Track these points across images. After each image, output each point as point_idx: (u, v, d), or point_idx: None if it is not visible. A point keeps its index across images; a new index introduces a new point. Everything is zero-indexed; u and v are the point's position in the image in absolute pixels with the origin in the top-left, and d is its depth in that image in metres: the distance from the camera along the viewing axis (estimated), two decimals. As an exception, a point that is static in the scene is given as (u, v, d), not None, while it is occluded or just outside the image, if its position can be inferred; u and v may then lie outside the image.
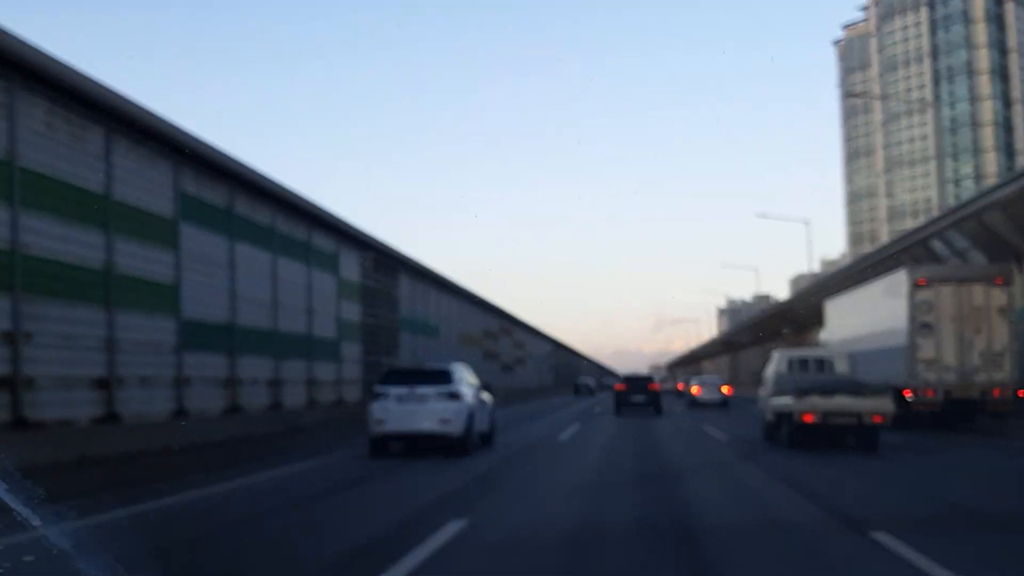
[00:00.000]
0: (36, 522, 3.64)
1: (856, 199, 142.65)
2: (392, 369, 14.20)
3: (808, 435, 12.83)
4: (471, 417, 12.31)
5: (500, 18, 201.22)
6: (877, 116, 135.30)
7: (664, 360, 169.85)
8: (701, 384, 34.60)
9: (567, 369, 70.75)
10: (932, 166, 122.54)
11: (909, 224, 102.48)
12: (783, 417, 13.46)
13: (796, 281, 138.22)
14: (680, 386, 56.06)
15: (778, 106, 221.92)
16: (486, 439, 13.66)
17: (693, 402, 33.31)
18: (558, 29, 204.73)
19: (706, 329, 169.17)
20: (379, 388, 12.28)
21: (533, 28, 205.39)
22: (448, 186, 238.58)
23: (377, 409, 11.99)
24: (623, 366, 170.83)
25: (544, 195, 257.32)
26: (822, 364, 16.06)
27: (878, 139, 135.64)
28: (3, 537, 4.14)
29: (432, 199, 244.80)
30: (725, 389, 33.83)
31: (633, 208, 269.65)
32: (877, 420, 12.28)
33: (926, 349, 16.62)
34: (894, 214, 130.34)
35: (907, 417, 17.09)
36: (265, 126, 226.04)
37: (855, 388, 12.81)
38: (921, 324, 16.70)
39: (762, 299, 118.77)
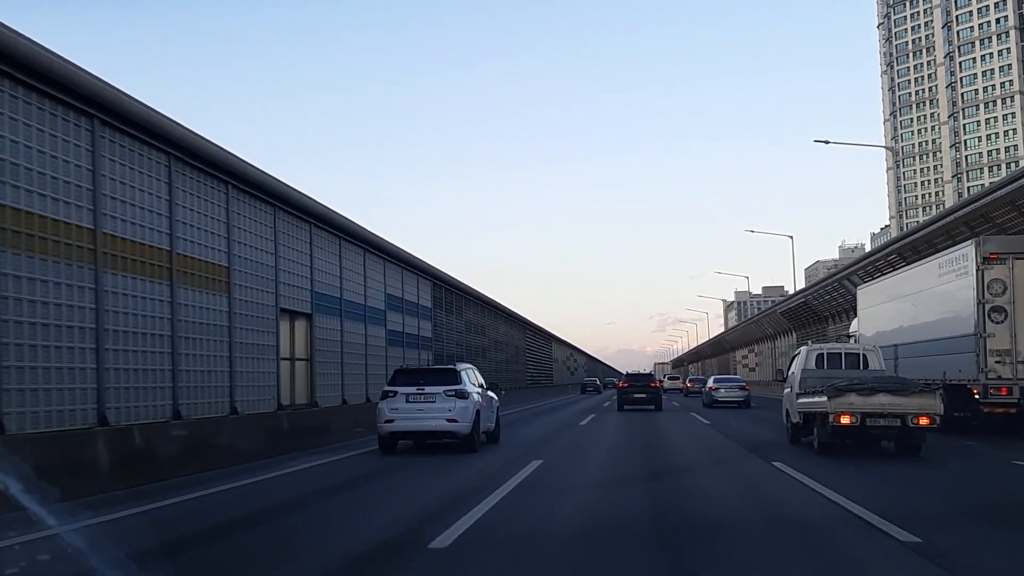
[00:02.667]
0: (51, 521, 4.61)
1: (906, 159, 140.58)
2: (400, 369, 17.05)
3: (843, 439, 13.70)
4: (477, 415, 15.52)
5: (500, 14, 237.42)
6: (938, 50, 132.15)
7: (668, 359, 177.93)
8: (720, 383, 37.99)
9: (517, 358, 51.72)
10: (1018, 104, 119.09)
11: (986, 181, 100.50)
12: (813, 419, 14.47)
13: (813, 270, 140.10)
14: (689, 384, 57.79)
15: (798, 67, 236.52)
16: (492, 437, 17.13)
17: (712, 401, 36.20)
18: (562, 22, 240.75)
19: (708, 328, 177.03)
20: (388, 387, 15.52)
21: (536, 24, 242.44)
22: (453, 188, 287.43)
23: (386, 408, 15.15)
24: (626, 365, 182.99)
25: (549, 197, 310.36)
26: (855, 359, 16.58)
27: (940, 79, 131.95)
28: (19, 536, 5.24)
29: (437, 200, 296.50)
30: (746, 388, 37.58)
31: (636, 208, 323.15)
32: (923, 422, 13.01)
33: (999, 338, 17.01)
34: (964, 169, 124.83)
35: (974, 421, 17.37)
36: (264, 121, 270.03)
37: (898, 386, 13.48)
38: (992, 308, 16.94)
39: (774, 290, 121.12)
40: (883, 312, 23.58)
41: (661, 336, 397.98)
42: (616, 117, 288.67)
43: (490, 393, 17.44)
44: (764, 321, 65.31)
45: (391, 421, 15.04)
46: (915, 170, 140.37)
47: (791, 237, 53.37)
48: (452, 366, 16.34)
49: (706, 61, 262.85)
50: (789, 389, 17.04)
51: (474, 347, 38.77)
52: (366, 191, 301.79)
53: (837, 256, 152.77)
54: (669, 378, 74.25)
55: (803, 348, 17.74)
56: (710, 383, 39.04)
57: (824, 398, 13.52)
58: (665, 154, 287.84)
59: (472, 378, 16.41)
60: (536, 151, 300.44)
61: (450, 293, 34.38)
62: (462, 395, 15.17)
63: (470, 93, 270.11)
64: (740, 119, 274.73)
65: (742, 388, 36.76)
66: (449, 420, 14.91)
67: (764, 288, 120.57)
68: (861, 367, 16.26)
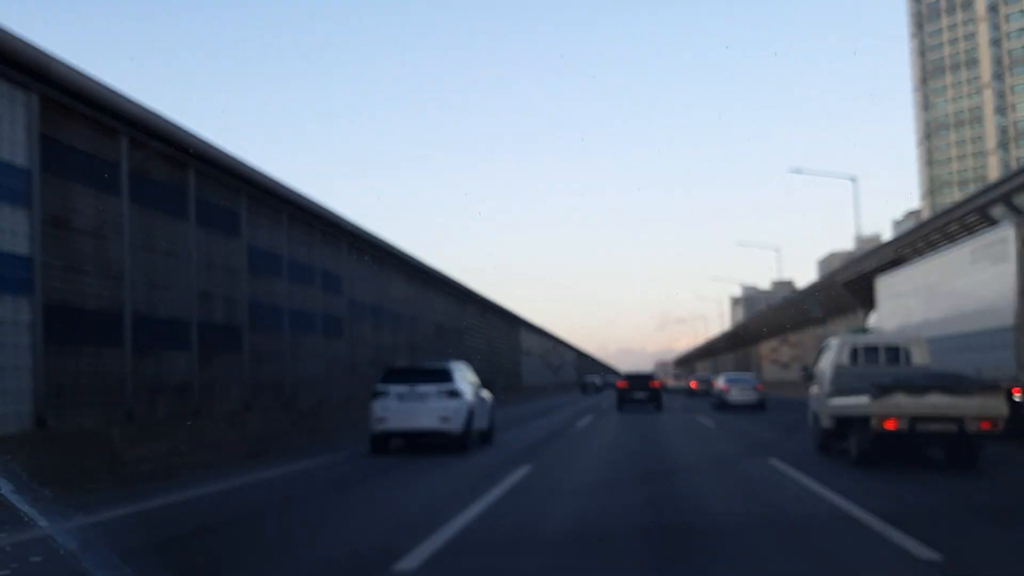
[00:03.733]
0: (43, 522, 4.82)
1: (937, 132, 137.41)
2: (392, 368, 18.03)
3: (888, 447, 12.88)
4: (471, 415, 16.52)
5: (501, 13, 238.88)
6: (979, 3, 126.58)
7: (670, 357, 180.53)
8: (731, 382, 36.67)
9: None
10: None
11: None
12: (850, 423, 13.62)
13: (827, 261, 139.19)
14: (694, 384, 59.15)
15: (808, 48, 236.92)
16: (485, 437, 18.24)
17: (722, 403, 35.48)
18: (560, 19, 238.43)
19: (713, 327, 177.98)
20: (380, 386, 16.42)
21: (534, 19, 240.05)
22: (452, 185, 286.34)
23: (378, 407, 16.11)
24: (627, 365, 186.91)
25: (548, 194, 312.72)
26: (895, 353, 15.88)
27: (981, 35, 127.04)
28: (11, 536, 5.55)
29: (437, 198, 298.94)
30: (759, 388, 36.57)
31: (639, 202, 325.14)
32: (984, 427, 12.09)
33: None
34: (1011, 136, 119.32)
35: (1011, 424, 17.38)
36: (270, 128, 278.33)
37: (954, 384, 12.44)
38: None
39: (784, 285, 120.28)
40: (906, 304, 23.43)
41: (662, 335, 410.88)
42: (616, 112, 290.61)
43: (483, 393, 18.39)
44: (811, 300, 53.62)
45: (383, 420, 16.02)
46: (948, 143, 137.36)
47: (852, 180, 47.97)
48: (446, 365, 17.27)
49: (710, 50, 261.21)
50: (817, 388, 16.37)
51: (276, 310, 18.92)
52: (358, 186, 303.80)
53: (853, 247, 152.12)
54: (674, 377, 78.86)
55: (834, 340, 16.82)
56: (720, 383, 37.39)
57: (865, 398, 12.51)
58: (664, 151, 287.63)
59: (465, 377, 17.43)
60: (529, 149, 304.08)
61: (177, 168, 14.85)
62: (455, 394, 16.14)
63: (466, 86, 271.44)
64: (741, 116, 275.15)
65: (755, 388, 35.63)
66: (442, 419, 15.88)
67: (774, 283, 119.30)
68: (902, 362, 15.51)
